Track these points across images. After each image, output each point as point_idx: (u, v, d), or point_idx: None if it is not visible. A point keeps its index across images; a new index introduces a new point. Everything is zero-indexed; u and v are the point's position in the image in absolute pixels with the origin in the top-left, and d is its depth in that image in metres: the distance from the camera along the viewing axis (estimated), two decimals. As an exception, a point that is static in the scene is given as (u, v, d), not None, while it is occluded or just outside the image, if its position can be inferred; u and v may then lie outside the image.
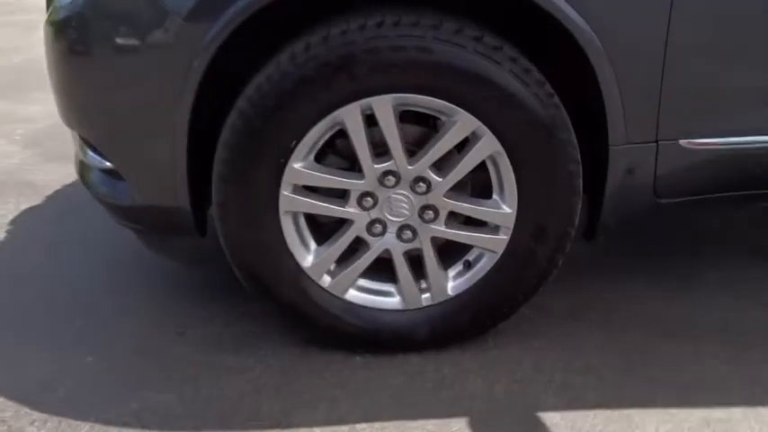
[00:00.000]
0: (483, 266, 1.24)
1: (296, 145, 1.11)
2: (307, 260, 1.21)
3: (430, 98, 1.10)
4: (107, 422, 1.11)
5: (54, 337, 1.33)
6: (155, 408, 1.14)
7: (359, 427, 1.11)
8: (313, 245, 1.23)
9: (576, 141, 1.15)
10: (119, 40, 1.15)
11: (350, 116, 1.11)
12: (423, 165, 1.16)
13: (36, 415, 1.12)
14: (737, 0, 1.14)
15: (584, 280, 1.51)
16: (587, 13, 1.07)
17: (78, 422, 1.11)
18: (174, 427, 1.11)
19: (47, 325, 1.37)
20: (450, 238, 1.22)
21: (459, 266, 1.26)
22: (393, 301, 1.27)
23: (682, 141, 1.16)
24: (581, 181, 1.17)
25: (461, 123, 1.13)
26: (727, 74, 1.16)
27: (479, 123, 1.12)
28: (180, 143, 1.14)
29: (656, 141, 1.16)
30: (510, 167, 1.16)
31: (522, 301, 1.27)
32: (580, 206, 1.20)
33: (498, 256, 1.22)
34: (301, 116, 1.10)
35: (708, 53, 1.15)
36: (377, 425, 1.11)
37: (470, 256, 1.25)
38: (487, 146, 1.14)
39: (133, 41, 1.15)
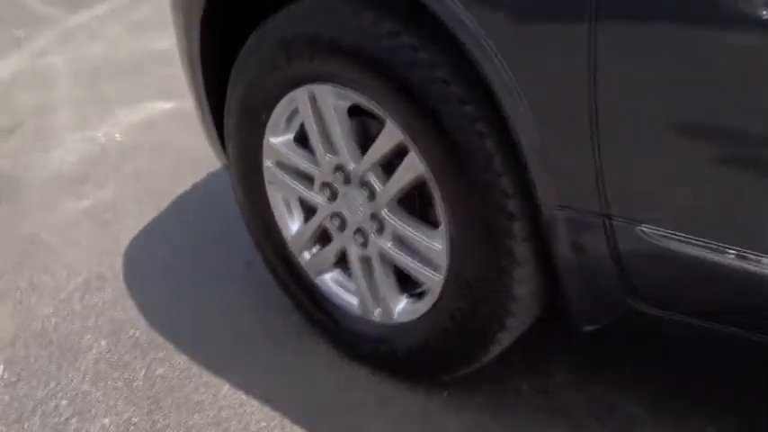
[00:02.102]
0: (425, 303, 1.05)
1: (266, 119, 1.13)
2: (289, 234, 1.24)
3: (359, 95, 0.96)
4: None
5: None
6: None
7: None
8: (298, 222, 1.23)
9: (506, 187, 0.84)
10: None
11: (300, 100, 1.06)
12: (363, 167, 1.03)
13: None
14: None
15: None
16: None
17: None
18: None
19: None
20: (387, 255, 1.06)
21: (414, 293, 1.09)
22: (352, 304, 1.19)
23: (643, 227, 0.71)
24: (516, 243, 0.85)
25: (387, 130, 0.95)
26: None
27: (404, 136, 0.92)
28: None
29: (604, 216, 0.74)
30: (440, 198, 0.93)
31: (459, 365, 1.02)
32: (524, 282, 0.88)
33: (435, 298, 1.01)
34: (266, 92, 1.10)
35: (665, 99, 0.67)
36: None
37: (424, 287, 1.07)
38: (413, 165, 0.94)
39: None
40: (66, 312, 1.46)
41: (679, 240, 0.71)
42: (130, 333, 1.37)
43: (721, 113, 0.68)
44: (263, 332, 1.34)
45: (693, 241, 0.71)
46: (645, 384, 1.12)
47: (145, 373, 1.27)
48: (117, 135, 2.44)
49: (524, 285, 0.89)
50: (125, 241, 1.71)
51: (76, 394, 1.24)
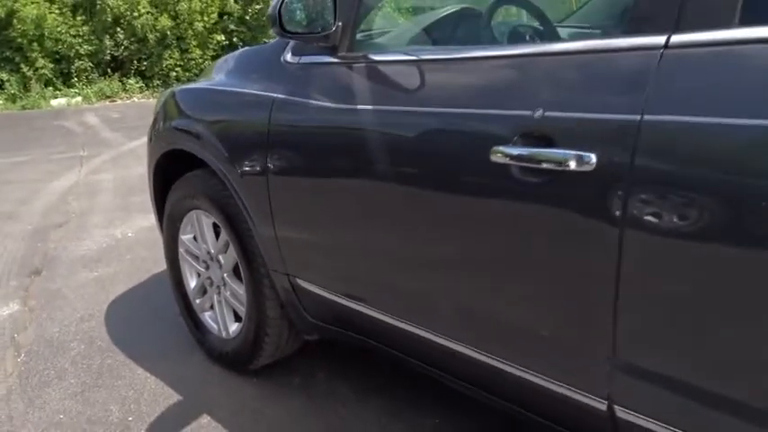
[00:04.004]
0: (241, 325, 2.01)
1: (179, 225, 2.16)
2: (189, 288, 2.22)
3: (213, 217, 1.99)
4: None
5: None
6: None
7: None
8: (194, 281, 2.22)
9: (260, 260, 1.82)
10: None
11: (192, 217, 2.09)
12: (216, 253, 2.03)
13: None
14: (324, 161, 1.54)
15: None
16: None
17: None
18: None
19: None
20: (228, 300, 2.03)
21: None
22: (215, 328, 2.14)
23: (298, 279, 1.68)
24: (266, 288, 1.82)
25: (222, 234, 1.97)
26: (312, 233, 1.62)
27: (228, 238, 1.94)
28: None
29: (285, 273, 1.71)
30: (243, 270, 1.91)
31: (255, 360, 1.96)
32: (272, 310, 1.84)
33: (243, 322, 1.98)
34: (178, 211, 2.13)
35: (303, 216, 1.63)
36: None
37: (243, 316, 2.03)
38: (232, 253, 1.94)
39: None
40: (66, 328, 2.45)
41: (316, 288, 1.68)
42: (98, 343, 2.35)
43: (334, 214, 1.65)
44: (177, 351, 2.29)
45: (320, 288, 1.67)
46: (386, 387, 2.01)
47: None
48: (129, 233, 3.54)
49: (273, 312, 1.85)
50: (113, 297, 2.73)
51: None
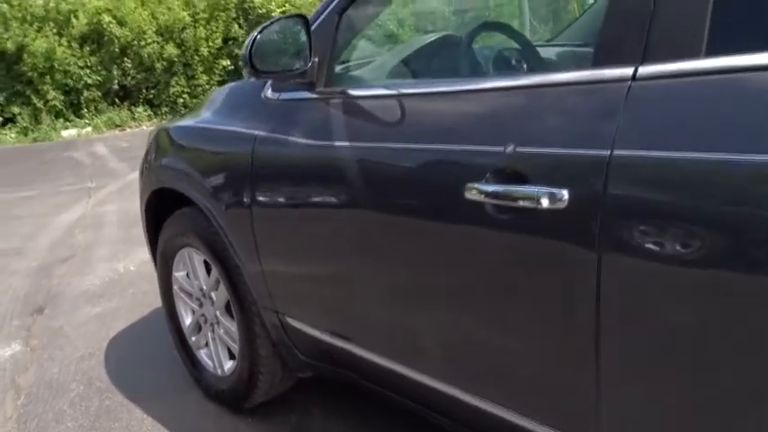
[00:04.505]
0: (235, 363, 1.98)
1: (172, 263, 2.15)
2: (185, 325, 2.20)
3: (203, 254, 1.97)
4: None
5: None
6: None
7: None
8: (189, 318, 2.20)
9: (249, 298, 1.79)
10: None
11: (184, 254, 2.08)
12: (209, 290, 2.01)
13: None
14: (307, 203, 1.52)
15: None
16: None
17: None
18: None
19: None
20: (222, 337, 2.01)
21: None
22: (210, 365, 2.12)
23: (287, 317, 1.65)
24: (257, 326, 1.80)
25: (213, 271, 1.95)
26: (296, 271, 1.59)
27: (219, 276, 1.92)
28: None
29: (274, 311, 1.69)
30: (235, 308, 1.89)
31: (249, 398, 1.93)
32: (264, 348, 1.81)
33: (237, 360, 1.95)
34: (171, 248, 2.12)
35: (287, 252, 1.60)
36: None
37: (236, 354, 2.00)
38: (223, 290, 1.92)
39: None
40: (66, 368, 2.43)
41: (304, 325, 1.65)
42: (97, 384, 2.33)
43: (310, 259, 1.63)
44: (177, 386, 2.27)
45: (307, 325, 1.65)
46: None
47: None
48: (132, 266, 3.54)
49: (265, 350, 1.82)
50: (113, 333, 2.72)
51: None
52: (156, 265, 2.28)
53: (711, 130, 0.87)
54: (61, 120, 10.07)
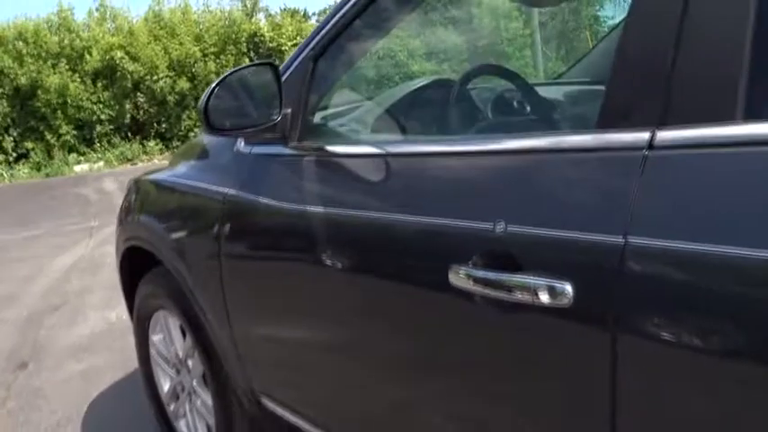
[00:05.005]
0: (213, 434, 1.79)
1: (148, 325, 1.97)
2: (163, 391, 2.02)
3: (178, 319, 1.79)
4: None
5: None
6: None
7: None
8: (167, 384, 2.02)
9: (224, 374, 1.61)
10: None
11: (159, 317, 1.90)
12: (184, 358, 1.83)
13: None
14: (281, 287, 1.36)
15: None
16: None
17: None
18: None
19: None
20: (199, 409, 1.82)
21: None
22: (186, 436, 1.93)
23: (262, 398, 1.46)
24: (234, 396, 1.61)
25: (188, 339, 1.76)
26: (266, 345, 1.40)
27: (192, 344, 1.73)
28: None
29: (249, 390, 1.50)
30: (209, 378, 1.70)
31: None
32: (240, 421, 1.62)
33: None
34: (146, 310, 1.95)
35: (258, 328, 1.42)
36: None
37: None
38: (198, 362, 1.73)
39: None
40: (40, 440, 2.26)
41: (276, 405, 1.46)
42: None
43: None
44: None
45: (279, 405, 1.46)
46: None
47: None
48: (124, 315, 3.35)
49: (241, 426, 1.63)
50: (95, 394, 2.54)
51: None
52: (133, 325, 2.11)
53: (749, 216, 0.67)
54: (74, 155, 10.09)
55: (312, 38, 1.30)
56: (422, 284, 1.01)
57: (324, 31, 1.28)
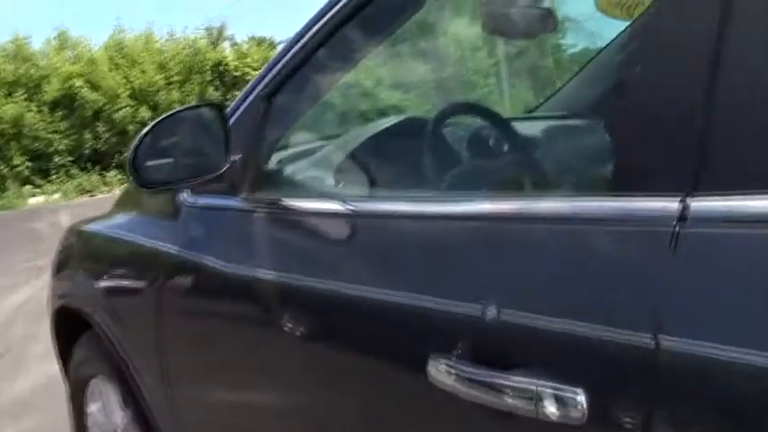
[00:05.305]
0: None
1: (85, 392, 1.74)
2: None
3: (112, 386, 1.58)
4: None
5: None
6: None
7: None
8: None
9: None
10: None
11: (94, 383, 1.68)
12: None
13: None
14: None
15: None
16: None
17: None
18: None
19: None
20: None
21: None
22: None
23: None
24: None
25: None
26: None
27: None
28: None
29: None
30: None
31: None
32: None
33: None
34: (82, 378, 1.73)
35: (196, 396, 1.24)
36: None
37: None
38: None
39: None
40: None
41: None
42: None
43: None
44: None
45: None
46: None
47: None
48: (69, 367, 3.10)
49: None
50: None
51: None
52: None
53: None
54: (29, 186, 9.71)
55: (265, 74, 1.13)
56: (394, 378, 0.83)
57: (278, 67, 1.11)
